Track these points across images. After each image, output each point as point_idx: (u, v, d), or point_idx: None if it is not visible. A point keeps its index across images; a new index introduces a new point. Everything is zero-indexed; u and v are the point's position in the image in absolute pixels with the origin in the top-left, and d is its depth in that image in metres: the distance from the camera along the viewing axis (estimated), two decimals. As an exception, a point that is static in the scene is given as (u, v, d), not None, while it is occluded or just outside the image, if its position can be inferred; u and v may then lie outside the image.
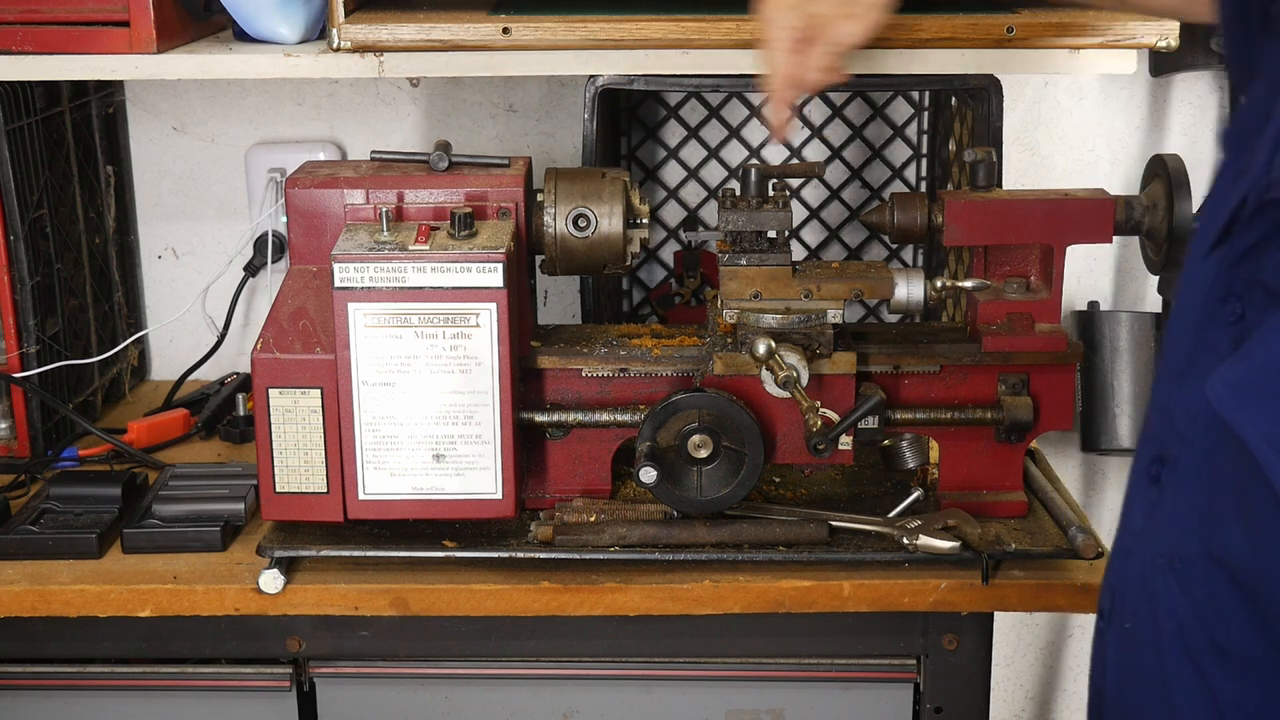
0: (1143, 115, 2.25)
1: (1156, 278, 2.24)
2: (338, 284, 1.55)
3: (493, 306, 1.55)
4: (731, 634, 1.68)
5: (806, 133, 2.23)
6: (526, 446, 1.68)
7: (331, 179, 1.65)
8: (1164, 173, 1.65)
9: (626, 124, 2.22)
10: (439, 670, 1.73)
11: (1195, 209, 1.63)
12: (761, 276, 1.65)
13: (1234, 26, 1.26)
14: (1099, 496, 2.40)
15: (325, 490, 1.60)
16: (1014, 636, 2.47)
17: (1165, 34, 1.75)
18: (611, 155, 2.14)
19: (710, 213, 2.25)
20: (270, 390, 1.58)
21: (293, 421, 1.58)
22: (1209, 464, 1.14)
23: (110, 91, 2.17)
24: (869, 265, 1.70)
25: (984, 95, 1.87)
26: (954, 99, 2.04)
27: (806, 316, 1.63)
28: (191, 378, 2.23)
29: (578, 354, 1.69)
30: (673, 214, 2.26)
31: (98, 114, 2.12)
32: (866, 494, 1.77)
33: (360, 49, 1.76)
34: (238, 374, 2.22)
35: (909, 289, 1.66)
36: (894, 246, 2.25)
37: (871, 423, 1.65)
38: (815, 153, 2.24)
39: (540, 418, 1.67)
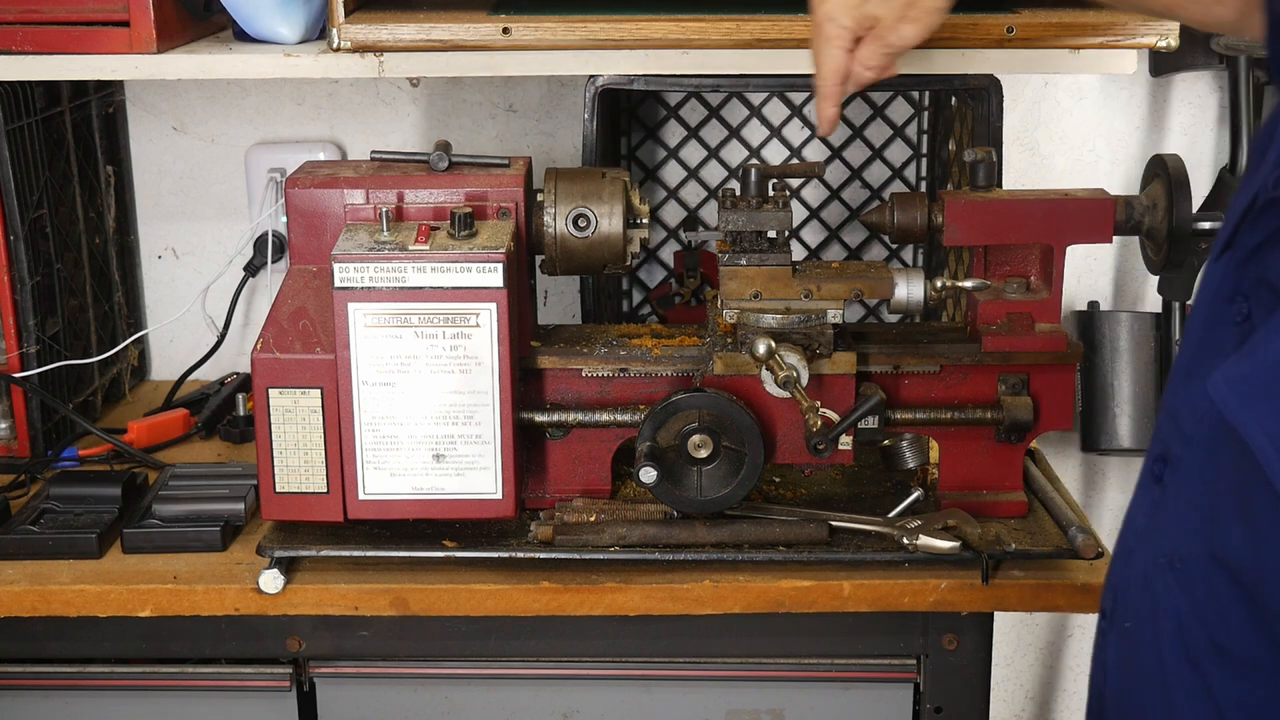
0: (1143, 115, 2.25)
1: (1156, 278, 2.24)
2: (338, 284, 1.55)
3: (493, 306, 1.55)
4: (731, 634, 1.68)
5: (807, 133, 2.23)
6: (526, 446, 1.68)
7: (331, 179, 1.65)
8: (1164, 173, 1.65)
9: (626, 124, 2.22)
10: (439, 670, 1.73)
11: (1195, 209, 1.63)
12: (761, 276, 1.65)
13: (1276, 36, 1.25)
14: (1099, 496, 2.40)
15: (325, 490, 1.60)
16: (1014, 636, 2.47)
17: (1165, 34, 1.75)
18: (611, 155, 2.14)
19: (710, 213, 2.25)
20: (270, 390, 1.58)
21: (293, 421, 1.58)
22: (1211, 463, 1.14)
23: (110, 91, 2.17)
24: (869, 265, 1.70)
25: (984, 95, 1.87)
26: (954, 99, 2.04)
27: (806, 316, 1.63)
28: (191, 378, 2.23)
29: (578, 354, 1.69)
30: (673, 214, 2.26)
31: (98, 114, 2.12)
32: (866, 494, 1.77)
33: (360, 49, 1.76)
34: (238, 374, 2.22)
35: (909, 289, 1.66)
36: (894, 246, 2.25)
37: (871, 423, 1.65)
38: (815, 153, 2.24)
39: (540, 418, 1.67)
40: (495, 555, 1.63)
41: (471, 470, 1.60)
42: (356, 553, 1.64)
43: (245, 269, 2.24)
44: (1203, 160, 2.24)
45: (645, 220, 1.68)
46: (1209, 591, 1.13)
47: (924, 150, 2.22)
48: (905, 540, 1.61)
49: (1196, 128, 2.24)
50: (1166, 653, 1.16)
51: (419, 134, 2.25)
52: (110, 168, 2.17)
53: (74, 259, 2.06)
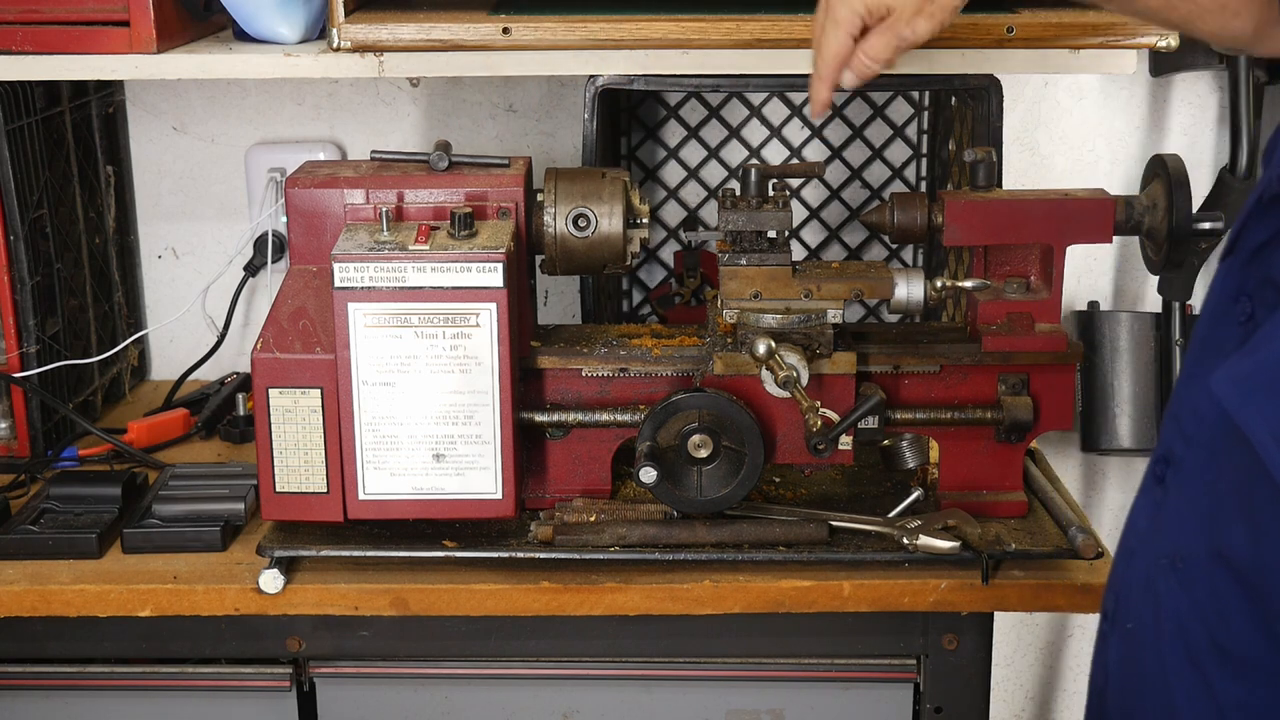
0: (1143, 115, 2.25)
1: (1156, 278, 2.24)
2: (338, 284, 1.55)
3: (493, 306, 1.55)
4: (731, 634, 1.68)
5: (807, 133, 2.23)
6: (526, 446, 1.68)
7: (331, 179, 1.65)
8: (1164, 173, 1.65)
9: (626, 124, 2.22)
10: (439, 670, 1.73)
11: (1195, 209, 1.63)
12: (761, 276, 1.65)
13: None
14: (1099, 496, 2.40)
15: (325, 490, 1.60)
16: (1014, 636, 2.47)
17: (1165, 34, 1.75)
18: (611, 155, 2.14)
19: (710, 213, 2.25)
20: (270, 390, 1.58)
21: (293, 421, 1.58)
22: (1213, 462, 1.14)
23: (110, 91, 2.17)
24: (869, 265, 1.70)
25: (984, 95, 1.87)
26: (954, 99, 2.04)
27: (806, 316, 1.63)
28: (191, 378, 2.23)
29: (578, 354, 1.69)
30: (673, 214, 2.26)
31: (98, 114, 2.12)
32: (866, 494, 1.77)
33: (360, 49, 1.76)
34: (238, 374, 2.22)
35: (909, 289, 1.66)
36: (894, 246, 2.25)
37: (871, 423, 1.65)
38: (815, 153, 2.24)
39: (540, 418, 1.67)
40: (495, 555, 1.63)
41: (471, 470, 1.60)
42: (356, 553, 1.64)
43: (245, 269, 2.24)
44: (1203, 160, 2.24)
45: (645, 220, 1.68)
46: (1211, 591, 1.13)
47: (924, 150, 2.22)
48: (905, 540, 1.61)
49: (1196, 128, 2.24)
50: (1168, 654, 1.16)
51: (419, 134, 2.25)
52: (110, 168, 2.17)
53: (74, 259, 2.06)
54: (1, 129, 1.86)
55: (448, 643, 1.69)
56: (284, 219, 2.12)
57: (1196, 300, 2.22)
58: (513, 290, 1.57)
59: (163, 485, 1.80)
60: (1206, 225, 1.64)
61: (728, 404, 1.62)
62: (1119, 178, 2.26)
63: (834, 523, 1.65)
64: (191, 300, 2.26)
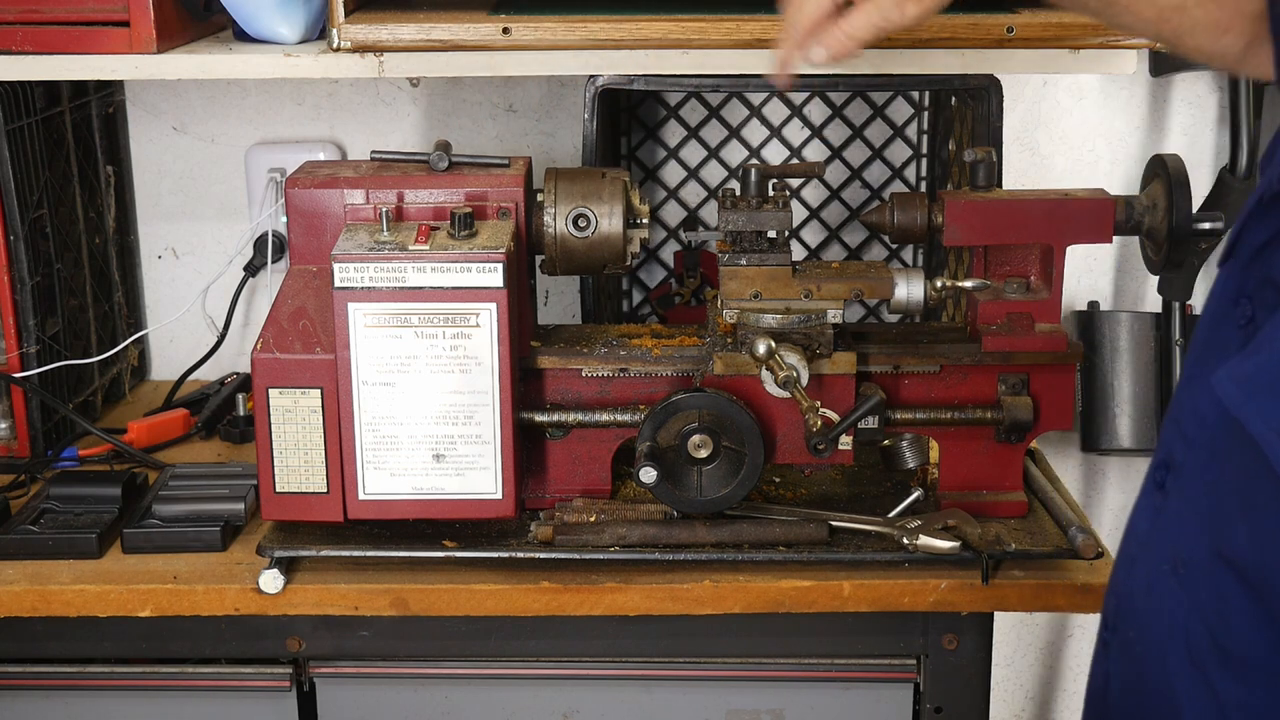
0: (1143, 115, 2.25)
1: (1156, 278, 2.24)
2: (338, 284, 1.55)
3: (493, 306, 1.55)
4: (731, 634, 1.68)
5: (807, 133, 2.23)
6: (526, 446, 1.68)
7: (331, 179, 1.65)
8: (1164, 173, 1.65)
9: (626, 124, 2.22)
10: (439, 670, 1.73)
11: (1195, 209, 1.63)
12: (761, 276, 1.65)
13: None
14: (1099, 496, 2.40)
15: (325, 490, 1.60)
16: (1014, 636, 2.47)
17: (1165, 34, 1.75)
18: (611, 155, 2.14)
19: (710, 213, 2.25)
20: (270, 390, 1.58)
21: (293, 421, 1.58)
22: (1214, 464, 1.14)
23: (110, 91, 2.17)
24: (869, 265, 1.70)
25: (984, 95, 1.87)
26: (954, 99, 2.04)
27: (806, 316, 1.63)
28: (191, 378, 2.23)
29: (578, 354, 1.69)
30: (673, 214, 2.26)
31: (98, 114, 2.12)
32: (866, 494, 1.77)
33: (360, 49, 1.76)
34: (238, 374, 2.22)
35: (909, 289, 1.66)
36: (894, 246, 2.25)
37: (871, 423, 1.65)
38: (815, 153, 2.24)
39: (540, 418, 1.67)
40: (495, 555, 1.63)
41: (471, 470, 1.60)
42: (356, 553, 1.64)
43: (245, 269, 2.24)
44: (1203, 160, 2.24)
45: (645, 220, 1.68)
46: (1213, 593, 1.13)
47: (924, 150, 2.22)
48: (905, 540, 1.61)
49: (1196, 128, 2.24)
50: (1170, 657, 1.16)
51: (419, 134, 2.25)
52: (110, 168, 2.17)
53: (74, 259, 2.06)
54: (1, 129, 1.86)
55: (448, 643, 1.69)
56: (284, 219, 2.12)
57: (1196, 300, 2.23)
58: (513, 290, 1.57)
59: (163, 485, 1.80)
60: (1206, 225, 1.64)
61: (728, 404, 1.62)
62: (1119, 178, 2.26)
63: (834, 523, 1.65)
64: (191, 300, 2.26)
